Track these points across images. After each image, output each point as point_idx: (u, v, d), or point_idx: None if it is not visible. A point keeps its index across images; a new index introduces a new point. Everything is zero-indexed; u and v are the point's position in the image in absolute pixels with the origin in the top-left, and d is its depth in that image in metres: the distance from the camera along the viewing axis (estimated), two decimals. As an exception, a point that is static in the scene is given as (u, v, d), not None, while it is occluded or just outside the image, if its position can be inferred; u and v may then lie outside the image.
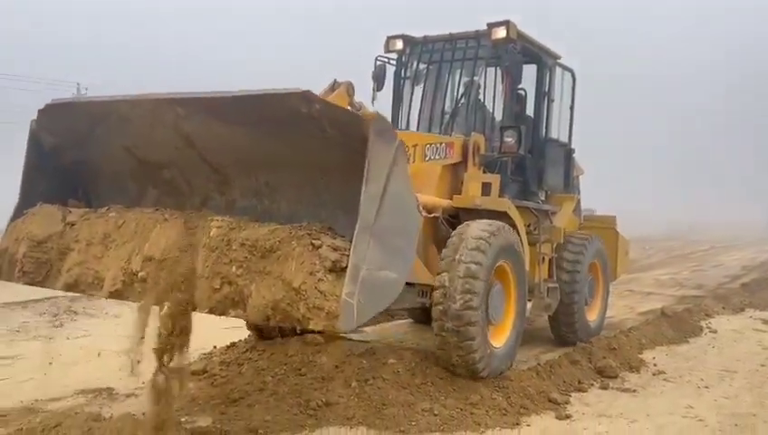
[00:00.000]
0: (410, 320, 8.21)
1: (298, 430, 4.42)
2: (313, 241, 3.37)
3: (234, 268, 3.52)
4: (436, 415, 4.69)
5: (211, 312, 3.61)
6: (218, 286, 3.54)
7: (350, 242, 3.26)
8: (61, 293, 8.61)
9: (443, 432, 4.50)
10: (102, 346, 6.95)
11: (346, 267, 3.22)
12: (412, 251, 3.81)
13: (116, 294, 3.91)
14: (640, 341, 7.39)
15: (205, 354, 6.33)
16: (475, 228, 5.22)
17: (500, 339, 5.50)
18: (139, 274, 3.82)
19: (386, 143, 3.41)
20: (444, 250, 5.21)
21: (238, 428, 4.38)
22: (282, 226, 3.55)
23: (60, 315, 8.26)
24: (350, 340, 6.39)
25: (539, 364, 5.91)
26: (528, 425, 4.74)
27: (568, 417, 4.93)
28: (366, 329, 7.68)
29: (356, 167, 3.26)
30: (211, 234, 3.65)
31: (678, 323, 8.45)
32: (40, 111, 4.42)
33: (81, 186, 4.71)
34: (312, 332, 3.40)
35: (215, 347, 6.45)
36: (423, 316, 6.95)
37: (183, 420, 4.55)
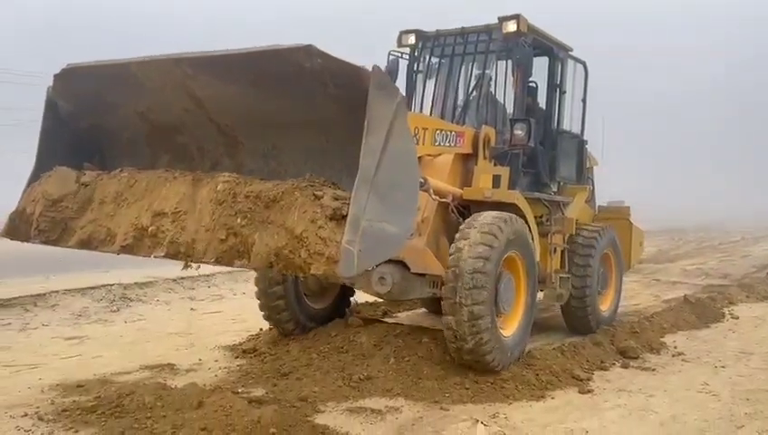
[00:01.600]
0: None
1: (343, 400, 4.91)
2: (315, 192, 3.46)
3: (239, 219, 3.62)
4: (467, 388, 5.13)
5: (217, 262, 3.70)
6: (224, 237, 3.65)
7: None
8: (115, 280, 9.37)
9: (474, 403, 4.94)
10: (157, 329, 7.57)
11: (346, 216, 3.27)
12: (414, 205, 3.85)
13: (127, 249, 4.01)
14: (662, 325, 7.70)
15: (252, 335, 6.87)
16: (467, 256, 5.12)
17: (510, 328, 5.66)
18: (149, 228, 3.93)
19: (386, 97, 3.40)
20: (443, 288, 5.20)
21: (290, 397, 4.86)
22: (285, 181, 3.64)
23: (116, 302, 8.89)
24: (387, 323, 6.87)
25: (563, 345, 6.29)
26: (553, 398, 5.16)
27: (590, 391, 5.33)
28: (399, 315, 8.16)
29: (359, 126, 3.28)
30: (218, 188, 3.76)
31: (701, 310, 8.72)
32: (56, 76, 4.49)
33: (96, 151, 4.79)
34: (314, 275, 3.46)
35: (261, 329, 6.97)
36: (436, 306, 7.01)
37: (239, 390, 5.06)
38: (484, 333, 5.10)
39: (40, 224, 4.37)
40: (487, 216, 5.45)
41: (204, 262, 3.76)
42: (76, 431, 4.22)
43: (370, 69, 3.43)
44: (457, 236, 5.33)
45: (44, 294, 8.52)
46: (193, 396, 4.54)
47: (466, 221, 5.49)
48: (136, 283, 9.66)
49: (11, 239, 4.59)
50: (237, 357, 6.22)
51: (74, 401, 4.76)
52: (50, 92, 4.56)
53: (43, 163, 4.59)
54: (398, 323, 6.78)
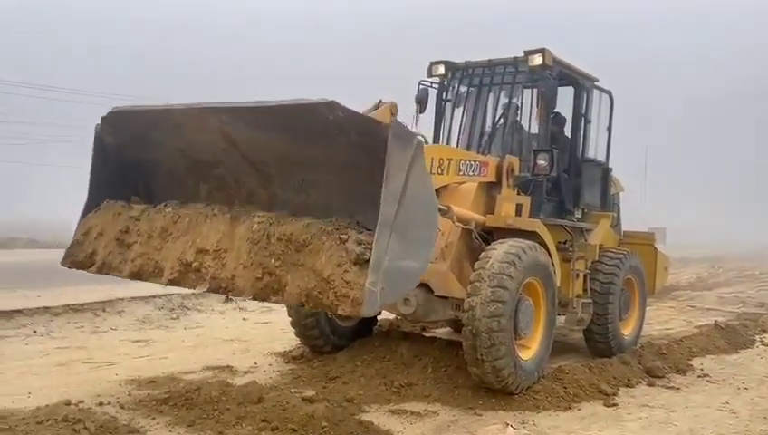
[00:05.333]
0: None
1: (385, 403, 5.43)
2: (341, 236, 3.79)
3: (273, 260, 3.99)
4: (499, 397, 5.58)
5: (254, 298, 4.12)
6: (260, 276, 4.04)
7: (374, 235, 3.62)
8: (174, 290, 10.09)
9: (505, 411, 5.40)
10: (214, 335, 8.23)
11: (369, 259, 3.59)
12: (432, 239, 4.17)
13: (174, 282, 4.46)
14: (691, 349, 7.97)
15: (300, 344, 7.41)
16: (487, 283, 5.33)
17: (530, 351, 5.86)
18: (193, 264, 4.37)
19: (404, 145, 3.71)
20: (464, 313, 5.41)
21: (338, 397, 5.40)
22: (314, 220, 4.00)
23: (175, 310, 9.63)
24: (425, 336, 7.37)
25: (592, 363, 6.67)
26: (579, 409, 5.57)
27: (614, 405, 5.71)
28: (436, 331, 8.64)
29: (380, 165, 3.63)
30: (253, 228, 4.12)
31: (731, 336, 8.94)
32: (103, 118, 4.96)
33: (141, 181, 5.20)
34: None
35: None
36: (460, 327, 6.95)
37: (292, 391, 5.63)
38: (503, 359, 5.33)
39: (95, 256, 4.92)
40: (507, 244, 5.68)
41: (243, 297, 4.22)
42: (153, 418, 4.84)
43: (389, 106, 3.89)
44: (478, 263, 5.55)
45: (112, 301, 9.30)
46: (254, 392, 5.15)
47: (487, 248, 5.71)
48: (193, 293, 10.36)
49: (70, 268, 5.17)
50: (288, 362, 6.80)
51: (148, 394, 5.39)
52: (98, 129, 5.04)
53: (94, 196, 5.14)
54: (435, 337, 7.28)
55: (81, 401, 5.08)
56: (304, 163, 4.34)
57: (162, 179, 5.16)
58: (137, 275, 4.71)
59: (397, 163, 3.68)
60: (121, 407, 5.07)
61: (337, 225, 3.92)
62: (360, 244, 3.74)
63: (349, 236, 3.79)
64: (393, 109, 5.86)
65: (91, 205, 5.14)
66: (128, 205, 5.01)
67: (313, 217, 4.17)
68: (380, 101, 5.98)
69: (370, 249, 3.64)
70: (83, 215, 5.16)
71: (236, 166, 4.66)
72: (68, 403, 4.90)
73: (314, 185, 4.42)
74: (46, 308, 8.73)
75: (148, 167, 5.16)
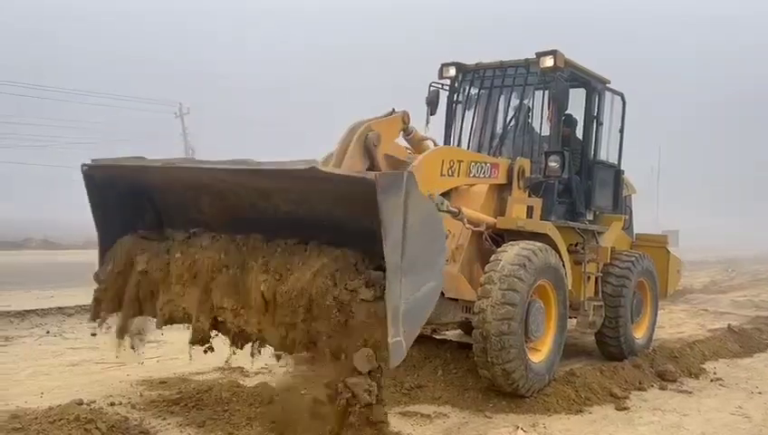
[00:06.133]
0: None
1: (395, 405, 5.41)
2: (349, 309, 3.80)
3: (290, 319, 4.07)
4: (510, 400, 5.56)
5: (286, 352, 4.35)
6: (285, 333, 4.15)
7: (385, 277, 3.59)
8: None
9: (516, 414, 5.37)
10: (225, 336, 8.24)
11: (385, 317, 3.57)
12: (443, 253, 4.09)
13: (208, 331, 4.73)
14: (704, 352, 7.94)
15: (311, 346, 7.45)
16: (497, 286, 5.34)
17: (540, 354, 5.82)
18: (218, 318, 4.56)
19: (395, 193, 3.56)
20: (474, 316, 5.42)
21: (348, 399, 5.40)
22: (320, 265, 3.98)
23: (186, 311, 9.64)
24: (435, 338, 7.35)
25: (603, 366, 6.65)
26: (590, 412, 5.54)
27: (626, 408, 5.68)
28: (447, 333, 8.61)
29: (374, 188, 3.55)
30: (262, 288, 4.16)
31: (745, 340, 8.90)
32: (85, 170, 5.00)
33: (143, 210, 5.21)
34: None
35: (319, 340, 7.54)
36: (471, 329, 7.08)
37: (303, 392, 5.62)
38: (513, 361, 5.32)
39: (123, 300, 5.04)
40: (518, 246, 5.68)
41: (275, 351, 4.41)
42: (164, 419, 4.87)
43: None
44: (488, 265, 5.56)
45: (123, 302, 9.32)
46: (264, 394, 5.19)
47: (498, 251, 5.71)
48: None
49: (107, 312, 5.27)
50: (299, 364, 6.79)
51: (160, 395, 5.42)
52: (84, 169, 5.04)
53: (104, 236, 5.20)
54: (445, 339, 7.27)
55: (93, 402, 5.12)
56: (300, 190, 4.31)
57: (163, 203, 5.19)
58: (170, 322, 4.91)
59: (391, 214, 3.57)
60: (133, 407, 5.10)
61: (344, 282, 3.88)
62: (369, 317, 3.74)
63: (357, 291, 3.80)
64: (405, 117, 5.87)
65: (105, 245, 5.20)
66: (138, 241, 5.05)
67: (319, 237, 4.20)
68: (393, 109, 5.99)
69: (384, 310, 3.61)
70: (100, 256, 5.23)
71: (232, 185, 4.64)
72: (80, 403, 4.94)
73: (314, 200, 4.38)
74: (59, 308, 8.80)
75: (146, 195, 5.18)
